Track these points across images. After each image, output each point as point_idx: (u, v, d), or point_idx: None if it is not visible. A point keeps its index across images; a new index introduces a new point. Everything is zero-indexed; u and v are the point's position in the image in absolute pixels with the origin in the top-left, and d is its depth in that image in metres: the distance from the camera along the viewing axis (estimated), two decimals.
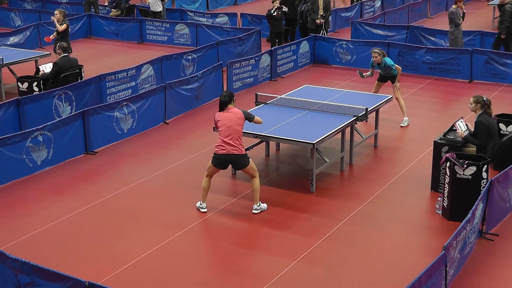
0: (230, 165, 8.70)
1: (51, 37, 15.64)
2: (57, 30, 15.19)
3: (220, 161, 8.47)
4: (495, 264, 7.41)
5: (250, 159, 8.53)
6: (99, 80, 12.89)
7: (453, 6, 16.17)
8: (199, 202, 8.78)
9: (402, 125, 12.02)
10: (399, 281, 6.94)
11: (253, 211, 8.67)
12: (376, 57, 11.84)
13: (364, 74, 12.46)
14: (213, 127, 8.75)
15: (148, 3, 20.64)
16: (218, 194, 9.23)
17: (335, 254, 7.69)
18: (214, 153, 8.49)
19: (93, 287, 5.69)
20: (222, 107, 8.52)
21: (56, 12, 15.37)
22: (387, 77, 12.13)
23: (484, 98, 9.07)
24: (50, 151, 10.16)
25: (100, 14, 21.43)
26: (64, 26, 15.13)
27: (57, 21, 15.17)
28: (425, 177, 9.49)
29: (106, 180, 9.89)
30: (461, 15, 16.13)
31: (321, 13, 17.48)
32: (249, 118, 8.60)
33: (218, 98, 14.22)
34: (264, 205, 8.76)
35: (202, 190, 8.67)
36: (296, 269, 7.33)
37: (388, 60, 11.97)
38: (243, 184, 9.55)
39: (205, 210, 8.72)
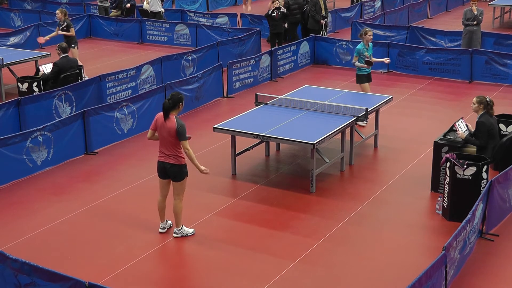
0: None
1: (47, 37, 15.63)
2: (58, 31, 15.18)
3: (159, 168, 7.85)
4: (495, 265, 7.41)
5: (186, 177, 7.87)
6: (99, 80, 12.90)
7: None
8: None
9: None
10: (399, 281, 6.94)
11: (174, 234, 8.02)
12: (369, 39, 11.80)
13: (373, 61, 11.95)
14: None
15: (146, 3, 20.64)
16: (218, 194, 9.24)
17: (335, 254, 7.69)
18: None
19: (93, 287, 5.69)
20: (165, 112, 7.68)
21: (57, 11, 15.28)
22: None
23: (488, 99, 9.04)
24: (50, 152, 10.16)
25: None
26: (72, 31, 15.07)
27: (60, 21, 15.09)
28: (425, 178, 9.49)
29: (106, 181, 9.89)
30: (472, 16, 16.08)
31: (323, 14, 17.49)
32: (180, 137, 7.70)
33: (219, 98, 14.34)
34: (189, 230, 8.05)
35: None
36: (296, 269, 7.33)
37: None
38: (243, 184, 9.56)
39: (163, 230, 8.10)
